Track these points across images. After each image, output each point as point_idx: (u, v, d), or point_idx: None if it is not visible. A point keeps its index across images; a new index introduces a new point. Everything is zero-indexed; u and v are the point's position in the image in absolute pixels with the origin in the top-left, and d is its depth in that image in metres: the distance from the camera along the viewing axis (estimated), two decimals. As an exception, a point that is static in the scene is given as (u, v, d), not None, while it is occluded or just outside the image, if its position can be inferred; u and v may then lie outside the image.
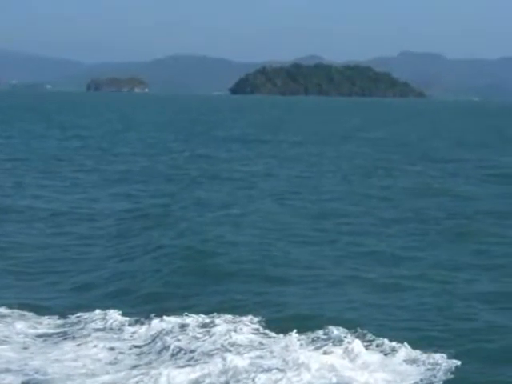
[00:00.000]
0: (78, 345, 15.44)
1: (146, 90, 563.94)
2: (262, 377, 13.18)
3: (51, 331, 16.67)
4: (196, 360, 14.20)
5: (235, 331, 15.76)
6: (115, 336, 16.01)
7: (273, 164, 50.82)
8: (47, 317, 17.67)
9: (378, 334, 15.67)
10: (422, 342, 15.55)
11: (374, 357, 14.59)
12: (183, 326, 16.15)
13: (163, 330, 15.98)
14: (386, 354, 14.83)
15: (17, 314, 17.67)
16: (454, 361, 14.52)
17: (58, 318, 17.56)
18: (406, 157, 57.67)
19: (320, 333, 15.75)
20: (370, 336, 15.61)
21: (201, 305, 18.28)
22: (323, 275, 21.19)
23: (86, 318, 17.20)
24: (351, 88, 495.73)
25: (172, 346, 14.95)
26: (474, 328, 16.83)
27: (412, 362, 14.59)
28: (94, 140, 70.11)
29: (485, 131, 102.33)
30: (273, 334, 15.84)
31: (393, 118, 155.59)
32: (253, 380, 13.15)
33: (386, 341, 15.30)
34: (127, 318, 17.03)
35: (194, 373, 13.47)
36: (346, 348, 14.69)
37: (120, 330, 16.41)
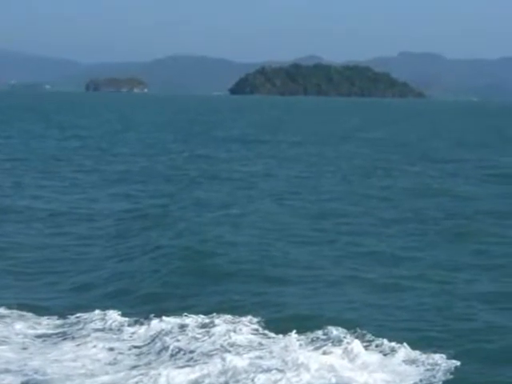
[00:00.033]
0: (78, 345, 15.43)
1: (145, 90, 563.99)
2: (262, 377, 13.18)
3: (50, 331, 16.66)
4: (195, 360, 14.20)
5: (234, 331, 15.75)
6: (114, 336, 16.00)
7: (272, 164, 50.81)
8: (46, 317, 17.66)
9: (378, 335, 15.67)
10: (422, 342, 15.54)
11: (373, 357, 14.59)
12: (182, 327, 16.14)
13: (162, 330, 15.98)
14: (385, 355, 14.83)
15: (16, 315, 17.66)
16: (454, 361, 14.52)
17: (58, 319, 17.55)
18: (406, 157, 57.67)
19: (319, 333, 15.75)
20: (369, 336, 15.60)
21: (200, 305, 18.27)
22: (322, 275, 21.19)
23: (85, 319, 17.19)
24: (350, 88, 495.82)
25: (171, 347, 14.94)
26: (473, 328, 16.83)
27: (411, 362, 14.59)
28: (93, 140, 70.08)
29: (484, 131, 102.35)
30: (272, 335, 15.83)
31: (392, 118, 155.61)
32: (252, 380, 13.15)
33: (385, 341, 15.30)
34: (126, 319, 17.02)
35: (194, 373, 13.47)
36: (346, 348, 14.69)
37: (119, 330, 16.40)
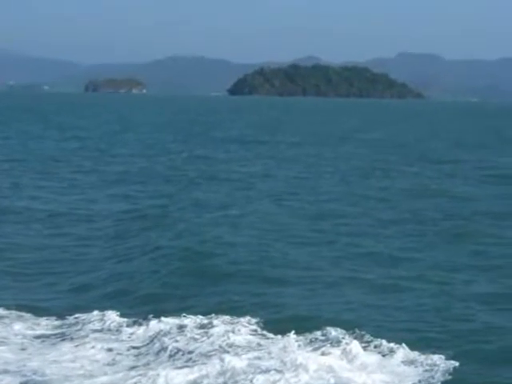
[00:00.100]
0: (76, 346, 15.44)
1: (144, 90, 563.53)
2: (260, 378, 13.19)
3: (49, 332, 16.67)
4: (194, 361, 14.21)
5: (233, 332, 15.77)
6: (113, 337, 16.01)
7: (271, 165, 50.82)
8: (45, 318, 17.66)
9: (376, 335, 15.68)
10: (420, 343, 15.56)
11: (371, 358, 14.60)
12: (181, 327, 16.15)
13: (161, 330, 15.99)
14: (384, 355, 14.84)
15: (15, 315, 17.66)
16: (452, 362, 14.54)
17: (56, 319, 17.55)
18: (404, 158, 57.69)
19: (318, 334, 15.76)
20: (368, 337, 15.62)
21: (199, 306, 18.28)
22: (321, 276, 21.20)
23: (83, 319, 17.20)
24: (349, 89, 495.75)
25: (170, 347, 14.95)
26: (471, 329, 16.85)
27: (410, 363, 14.60)
28: (91, 141, 70.06)
29: (483, 132, 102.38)
30: (271, 335, 15.84)
31: (391, 119, 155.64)
32: (251, 381, 13.16)
33: (384, 342, 15.32)
34: (125, 319, 17.03)
35: (192, 374, 13.48)
36: (344, 349, 14.70)
37: (118, 330, 16.41)
